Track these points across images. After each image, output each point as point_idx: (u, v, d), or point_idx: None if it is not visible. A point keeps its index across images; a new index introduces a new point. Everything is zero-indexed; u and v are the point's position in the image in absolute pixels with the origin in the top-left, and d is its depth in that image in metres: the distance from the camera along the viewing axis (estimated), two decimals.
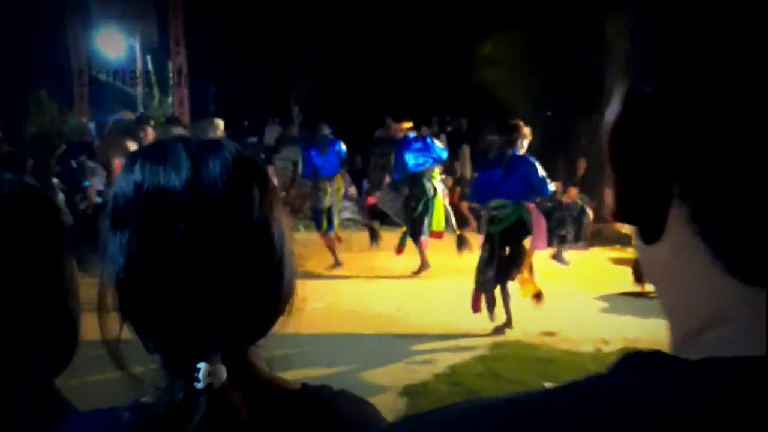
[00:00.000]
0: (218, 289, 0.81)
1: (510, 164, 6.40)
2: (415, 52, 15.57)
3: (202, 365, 0.79)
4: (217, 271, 0.81)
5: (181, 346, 0.81)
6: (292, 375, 0.98)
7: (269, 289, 0.86)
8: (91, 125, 12.31)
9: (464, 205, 12.67)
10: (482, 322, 6.60)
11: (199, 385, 0.79)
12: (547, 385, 4.61)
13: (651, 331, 6.53)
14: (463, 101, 14.30)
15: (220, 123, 8.69)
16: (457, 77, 13.95)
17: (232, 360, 0.82)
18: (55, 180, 9.89)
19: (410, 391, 5.08)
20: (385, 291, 8.03)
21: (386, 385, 5.18)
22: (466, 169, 13.85)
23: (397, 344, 6.10)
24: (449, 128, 15.20)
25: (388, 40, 15.74)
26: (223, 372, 0.80)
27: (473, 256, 7.24)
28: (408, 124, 9.47)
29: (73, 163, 9.86)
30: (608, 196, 0.51)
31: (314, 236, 9.31)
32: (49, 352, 1.04)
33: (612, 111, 0.48)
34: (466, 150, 14.49)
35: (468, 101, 13.51)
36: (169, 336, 0.82)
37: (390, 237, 9.60)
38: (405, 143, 8.97)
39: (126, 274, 0.82)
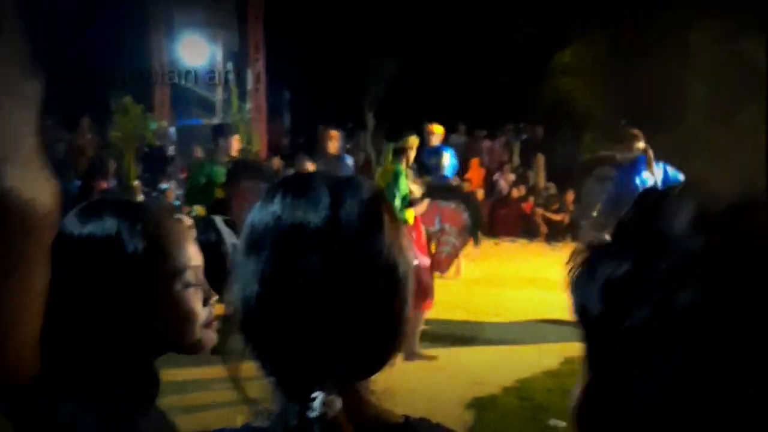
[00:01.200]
0: (345, 322, 0.83)
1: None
2: (492, 57, 15.46)
3: (318, 394, 0.81)
4: (346, 305, 0.83)
5: (301, 372, 0.83)
6: None
7: (391, 325, 0.87)
8: (172, 129, 12.67)
9: (539, 213, 12.53)
10: (552, 333, 6.49)
11: (313, 414, 0.80)
12: None
13: None
14: (538, 110, 14.11)
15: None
16: (534, 85, 13.77)
17: (346, 391, 0.83)
18: (136, 182, 10.23)
19: (477, 405, 5.02)
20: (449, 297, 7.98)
21: (453, 397, 5.14)
22: (540, 179, 13.67)
23: (463, 354, 6.04)
24: (523, 136, 15.05)
25: (463, 44, 15.68)
26: (337, 403, 0.81)
27: (541, 265, 7.13)
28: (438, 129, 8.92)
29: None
30: None
31: None
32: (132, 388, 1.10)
33: None
34: (540, 159, 14.30)
35: (544, 110, 13.32)
36: (290, 361, 0.84)
37: None
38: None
39: (258, 298, 0.84)
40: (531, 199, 12.94)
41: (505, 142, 14.53)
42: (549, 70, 13.68)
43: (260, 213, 0.87)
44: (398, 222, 0.91)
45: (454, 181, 8.84)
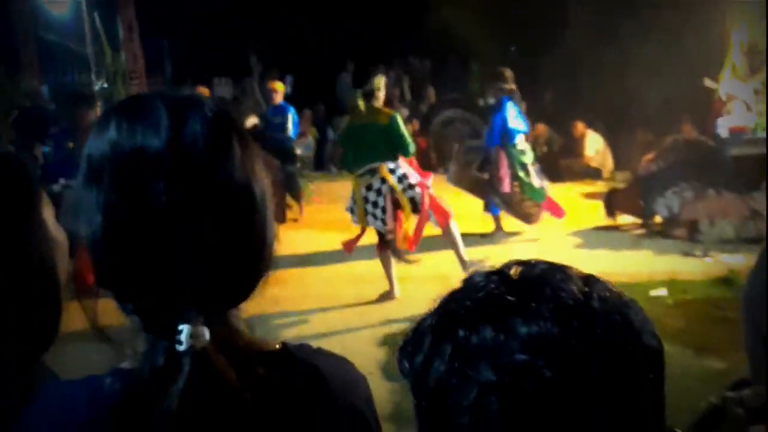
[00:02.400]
0: (200, 250, 0.79)
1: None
2: None
3: (184, 327, 0.78)
4: (198, 231, 0.79)
5: (162, 307, 0.79)
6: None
7: (252, 250, 0.84)
8: (44, 88, 11.88)
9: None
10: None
11: (182, 348, 0.78)
12: None
13: (624, 265, 6.57)
14: (423, 42, 14.06)
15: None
16: (416, 17, 13.67)
17: (213, 322, 0.80)
18: (9, 148, 9.57)
19: (389, 341, 5.03)
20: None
21: (365, 336, 5.15)
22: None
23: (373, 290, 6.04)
24: (412, 71, 15.01)
25: None
26: (205, 334, 0.78)
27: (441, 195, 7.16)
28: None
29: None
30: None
31: None
32: (35, 322, 0.98)
33: None
34: (431, 92, 14.32)
35: (431, 41, 13.28)
36: (149, 297, 0.80)
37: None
38: None
39: (103, 232, 0.79)
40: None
41: (395, 77, 14.43)
42: (430, 2, 13.59)
43: (96, 141, 0.81)
44: (249, 142, 0.85)
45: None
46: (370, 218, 5.97)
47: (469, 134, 11.78)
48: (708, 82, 8.69)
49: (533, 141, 11.68)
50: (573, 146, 11.43)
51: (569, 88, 12.14)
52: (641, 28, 10.39)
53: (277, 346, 0.92)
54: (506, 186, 7.23)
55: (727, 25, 8.82)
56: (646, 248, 7.21)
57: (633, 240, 7.56)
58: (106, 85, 10.95)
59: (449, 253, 6.22)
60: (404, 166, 5.98)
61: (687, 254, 6.89)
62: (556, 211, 7.64)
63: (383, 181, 5.86)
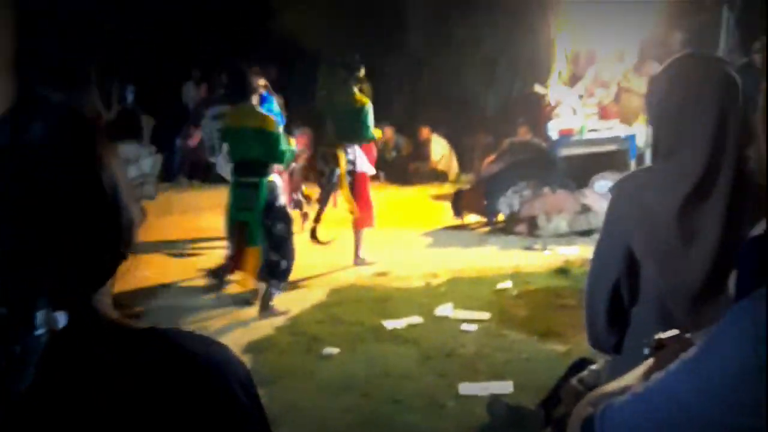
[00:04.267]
0: (47, 239, 0.85)
1: None
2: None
3: (39, 312, 0.82)
4: (44, 223, 0.85)
5: (18, 295, 0.83)
6: None
7: (103, 237, 0.89)
8: None
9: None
10: (317, 266, 6.71)
11: (38, 332, 0.81)
12: (386, 323, 4.76)
13: (472, 261, 6.97)
14: (270, 49, 14.03)
15: None
16: (260, 23, 13.63)
17: (73, 306, 0.85)
18: None
19: (254, 348, 5.07)
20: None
21: (230, 345, 5.12)
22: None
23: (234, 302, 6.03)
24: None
25: None
26: (60, 318, 0.83)
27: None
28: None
29: None
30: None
31: None
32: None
33: None
34: (279, 100, 14.28)
35: (275, 48, 13.28)
36: (4, 286, 0.84)
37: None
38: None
39: None
40: None
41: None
42: (273, 7, 13.60)
43: None
44: (102, 139, 0.93)
45: None
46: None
47: None
48: (538, 88, 9.35)
49: (382, 145, 12.05)
50: (420, 151, 11.88)
51: (412, 93, 12.59)
52: (476, 32, 10.97)
53: (144, 328, 0.94)
54: None
55: (552, 32, 9.53)
56: (492, 244, 7.68)
57: (479, 237, 8.02)
58: None
59: None
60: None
61: (528, 248, 7.41)
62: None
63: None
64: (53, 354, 0.82)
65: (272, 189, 5.60)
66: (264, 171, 5.58)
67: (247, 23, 14.48)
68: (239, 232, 5.67)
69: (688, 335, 1.34)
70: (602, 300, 1.96)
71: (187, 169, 12.44)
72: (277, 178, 5.75)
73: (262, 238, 5.58)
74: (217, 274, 6.16)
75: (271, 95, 7.71)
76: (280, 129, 5.84)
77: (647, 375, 1.19)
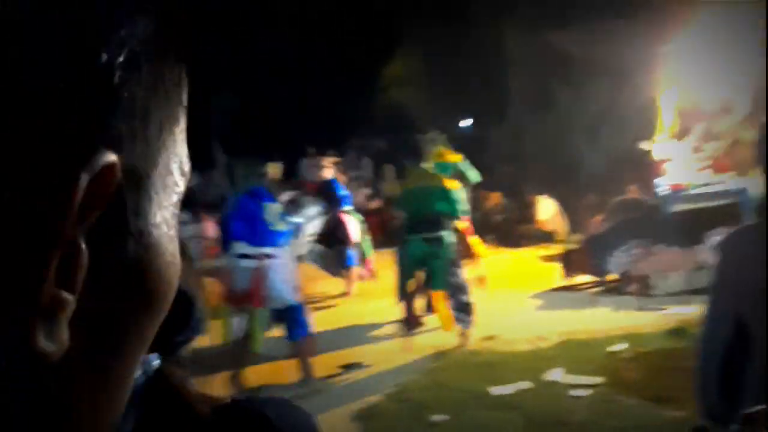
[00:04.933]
0: None
1: None
2: (325, 77, 15.72)
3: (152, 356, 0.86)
4: None
5: None
6: None
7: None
8: None
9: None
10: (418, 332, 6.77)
11: (135, 375, 0.84)
12: (492, 389, 4.74)
13: (584, 323, 6.82)
14: (378, 122, 14.52)
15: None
16: (365, 99, 14.17)
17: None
18: None
19: (363, 416, 5.16)
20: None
21: (340, 412, 5.24)
22: (392, 188, 14.06)
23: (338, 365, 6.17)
24: (370, 151, 15.40)
25: (296, 69, 15.82)
26: (154, 359, 0.82)
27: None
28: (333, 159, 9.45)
29: None
30: None
31: None
32: None
33: None
34: (390, 169, 14.70)
35: (383, 121, 13.74)
36: None
37: None
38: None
39: None
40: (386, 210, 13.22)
41: (352, 158, 14.83)
42: (381, 83, 14.11)
43: None
44: None
45: None
46: None
47: None
48: (643, 145, 9.18)
49: (489, 210, 12.10)
50: (527, 212, 11.83)
51: (518, 157, 12.62)
52: (577, 95, 10.95)
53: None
54: None
55: (655, 89, 9.38)
56: (604, 305, 7.50)
57: (590, 298, 7.85)
58: None
59: None
60: None
61: (642, 309, 7.18)
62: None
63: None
64: (150, 391, 0.87)
65: (451, 242, 6.35)
66: (443, 226, 6.26)
67: (355, 97, 15.08)
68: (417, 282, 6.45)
69: None
70: (715, 364, 1.86)
71: None
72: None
73: (446, 284, 6.32)
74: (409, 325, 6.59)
75: (338, 180, 8.37)
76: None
77: None
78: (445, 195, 6.26)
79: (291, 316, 5.60)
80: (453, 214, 6.35)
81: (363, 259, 8.96)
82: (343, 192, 8.29)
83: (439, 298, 6.42)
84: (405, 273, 6.59)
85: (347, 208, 8.70)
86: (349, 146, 15.01)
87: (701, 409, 1.90)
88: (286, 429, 0.91)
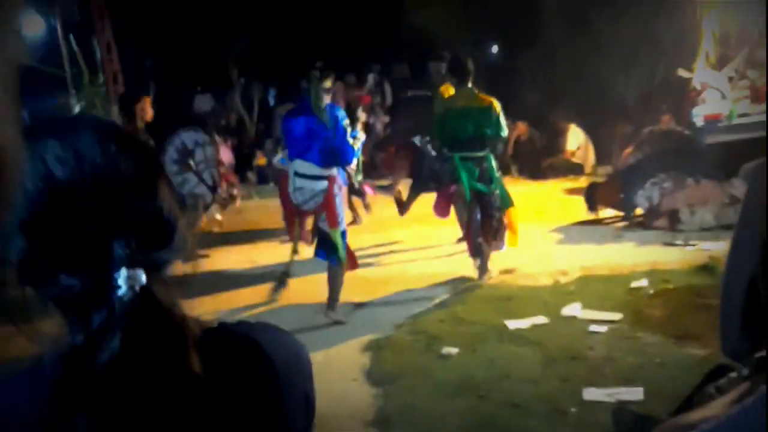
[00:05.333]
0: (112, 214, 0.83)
1: None
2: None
3: (120, 271, 0.81)
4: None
5: (95, 257, 0.81)
6: None
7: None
8: (24, 113, 11.85)
9: None
10: (441, 266, 6.60)
11: (121, 292, 0.80)
12: (508, 322, 4.57)
13: (606, 258, 6.59)
14: (401, 46, 14.08)
15: None
16: (391, 21, 13.69)
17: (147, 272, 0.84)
18: None
19: (374, 346, 5.03)
20: None
21: (351, 342, 5.14)
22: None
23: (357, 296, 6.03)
24: (393, 75, 14.97)
25: None
26: (141, 276, 0.81)
27: (424, 201, 7.19)
28: None
29: None
30: None
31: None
32: None
33: None
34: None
35: (406, 46, 13.30)
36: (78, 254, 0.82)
37: None
38: None
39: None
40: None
41: (374, 83, 14.44)
42: (406, 5, 13.60)
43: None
44: (151, 161, 0.92)
45: None
46: None
47: None
48: (682, 72, 8.73)
49: (515, 139, 11.74)
50: (554, 143, 11.47)
51: (547, 84, 12.17)
52: (613, 17, 10.43)
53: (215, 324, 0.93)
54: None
55: (698, 13, 8.87)
56: (628, 240, 7.24)
57: (614, 233, 7.59)
58: (85, 106, 10.90)
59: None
60: None
61: (668, 244, 6.92)
62: None
63: None
64: (137, 308, 0.81)
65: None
66: (485, 146, 6.19)
67: (379, 21, 14.62)
68: (476, 200, 6.22)
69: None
70: (738, 299, 1.70)
71: None
72: None
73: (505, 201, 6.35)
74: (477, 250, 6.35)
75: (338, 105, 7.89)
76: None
77: (737, 402, 0.98)
78: (492, 116, 6.13)
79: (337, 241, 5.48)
80: (499, 135, 6.23)
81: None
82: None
83: (512, 214, 6.37)
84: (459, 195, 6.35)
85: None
86: (370, 71, 14.60)
87: (723, 345, 1.74)
88: (274, 354, 0.94)
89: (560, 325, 5.12)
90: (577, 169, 11.05)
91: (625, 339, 4.81)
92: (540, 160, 11.29)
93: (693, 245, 6.78)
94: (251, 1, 14.65)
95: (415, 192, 7.54)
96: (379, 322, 5.48)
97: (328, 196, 5.44)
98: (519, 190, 9.64)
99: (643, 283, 5.79)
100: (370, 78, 14.24)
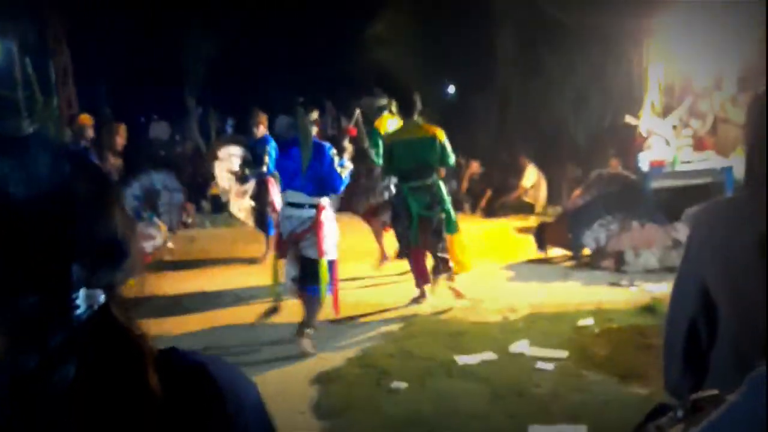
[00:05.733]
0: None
1: None
2: (303, 35, 15.39)
3: (80, 291, 0.82)
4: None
5: (53, 277, 0.81)
6: None
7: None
8: None
9: None
10: (388, 297, 6.65)
11: (80, 311, 0.81)
12: (458, 358, 4.62)
13: (554, 296, 6.74)
14: (358, 82, 14.25)
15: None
16: (348, 59, 13.87)
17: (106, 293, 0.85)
18: None
19: (323, 379, 5.03)
20: None
21: (299, 374, 5.13)
22: None
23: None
24: (356, 111, 15.10)
25: (277, 27, 15.48)
26: (100, 296, 0.83)
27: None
28: None
29: None
30: None
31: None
32: None
33: None
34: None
35: (364, 82, 13.47)
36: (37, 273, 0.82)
37: None
38: None
39: None
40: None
41: (332, 119, 14.57)
42: (363, 43, 13.81)
43: None
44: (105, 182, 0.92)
45: None
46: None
47: None
48: (629, 119, 9.04)
49: (469, 178, 11.94)
50: (509, 180, 11.66)
51: (501, 124, 12.45)
52: (566, 62, 10.75)
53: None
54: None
55: (644, 63, 9.22)
56: (575, 279, 7.41)
57: (563, 272, 7.76)
58: (38, 129, 10.72)
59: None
60: None
61: (614, 284, 7.10)
62: None
63: None
64: (97, 327, 0.82)
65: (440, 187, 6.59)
66: (433, 174, 6.52)
67: (341, 59, 14.78)
68: (424, 227, 6.51)
69: (730, 396, 1.17)
70: (679, 339, 1.79)
71: None
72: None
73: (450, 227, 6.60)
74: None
75: (270, 137, 8.21)
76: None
77: None
78: (437, 146, 6.47)
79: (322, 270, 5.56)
80: (446, 164, 6.61)
81: None
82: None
83: (456, 240, 6.62)
84: (406, 224, 6.58)
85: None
86: (327, 105, 14.72)
87: (666, 383, 1.81)
88: (224, 385, 0.94)
89: (508, 362, 5.20)
90: (527, 208, 11.27)
91: (570, 376, 4.90)
92: (491, 199, 11.50)
93: (637, 286, 6.97)
94: (212, 30, 14.68)
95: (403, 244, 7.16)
96: (328, 354, 5.49)
97: (316, 223, 5.53)
98: (471, 227, 9.80)
99: (589, 321, 5.92)
100: (357, 112, 14.34)
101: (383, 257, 7.93)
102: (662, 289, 6.76)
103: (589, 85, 10.88)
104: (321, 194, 5.64)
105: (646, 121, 8.79)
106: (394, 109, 7.73)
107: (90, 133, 8.01)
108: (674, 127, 8.70)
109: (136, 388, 0.83)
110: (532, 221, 10.27)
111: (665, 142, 8.42)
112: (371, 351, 5.56)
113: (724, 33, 8.22)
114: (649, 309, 6.13)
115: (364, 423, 4.35)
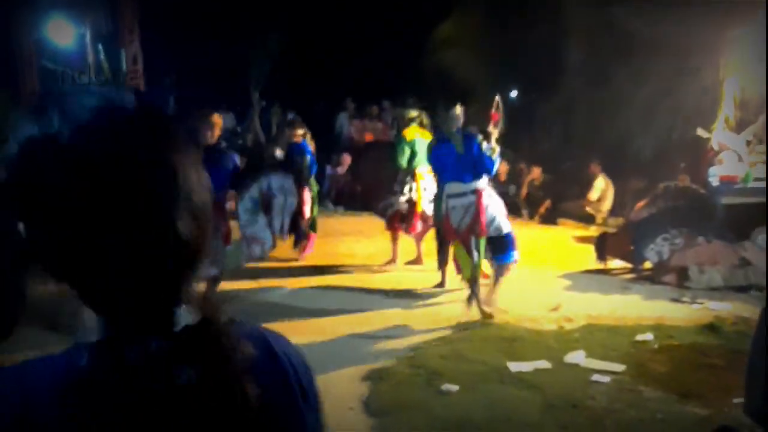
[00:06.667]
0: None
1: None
2: (372, 33, 15.42)
3: (178, 308, 0.84)
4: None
5: (156, 295, 0.83)
6: None
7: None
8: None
9: None
10: (445, 300, 6.58)
11: (178, 328, 0.84)
12: (511, 364, 4.54)
13: (612, 308, 6.56)
14: (424, 83, 14.22)
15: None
16: (415, 60, 13.84)
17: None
18: None
19: (373, 376, 5.00)
20: (349, 278, 7.94)
21: (349, 370, 5.10)
22: None
23: (361, 327, 6.01)
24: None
25: (346, 24, 15.55)
26: (190, 315, 0.85)
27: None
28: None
29: None
30: None
31: None
32: None
33: None
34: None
35: (428, 84, 13.43)
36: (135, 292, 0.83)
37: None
38: None
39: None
40: None
41: (392, 118, 14.57)
42: (432, 43, 13.76)
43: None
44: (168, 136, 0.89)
45: None
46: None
47: None
48: (701, 132, 8.78)
49: (529, 183, 11.76)
50: (576, 189, 11.39)
51: (564, 132, 12.24)
52: (634, 74, 10.51)
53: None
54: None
55: (720, 75, 8.94)
56: (635, 293, 7.20)
57: (622, 284, 7.55)
58: None
59: None
60: None
61: (675, 300, 6.88)
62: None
63: None
64: (199, 346, 0.84)
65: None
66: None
67: (402, 58, 14.77)
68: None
69: None
70: (764, 362, 1.68)
71: (333, 195, 12.80)
72: None
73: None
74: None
75: (308, 144, 8.36)
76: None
77: None
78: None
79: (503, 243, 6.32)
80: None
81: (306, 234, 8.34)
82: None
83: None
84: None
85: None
86: (386, 104, 14.73)
87: (746, 406, 1.73)
88: (280, 348, 0.97)
89: (563, 372, 5.08)
90: (588, 218, 11.04)
91: (627, 391, 4.76)
92: (551, 206, 11.30)
93: (700, 303, 6.74)
94: (279, 26, 14.84)
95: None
96: (379, 352, 5.46)
97: (478, 207, 6.21)
98: (529, 233, 9.65)
99: (648, 337, 5.75)
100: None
101: (392, 260, 8.18)
102: (726, 307, 6.54)
103: (659, 98, 10.60)
104: (477, 179, 6.23)
105: (718, 135, 8.53)
106: (425, 121, 7.88)
107: (218, 132, 7.78)
108: (748, 142, 8.41)
109: (233, 397, 0.84)
110: (593, 231, 10.05)
111: (737, 158, 8.14)
112: (423, 351, 5.51)
113: None
114: (711, 327, 5.93)
115: (413, 423, 4.30)
